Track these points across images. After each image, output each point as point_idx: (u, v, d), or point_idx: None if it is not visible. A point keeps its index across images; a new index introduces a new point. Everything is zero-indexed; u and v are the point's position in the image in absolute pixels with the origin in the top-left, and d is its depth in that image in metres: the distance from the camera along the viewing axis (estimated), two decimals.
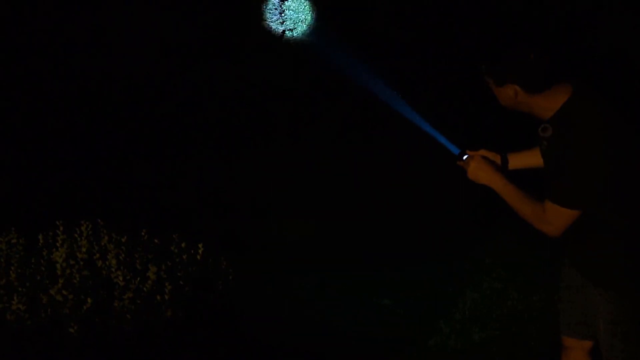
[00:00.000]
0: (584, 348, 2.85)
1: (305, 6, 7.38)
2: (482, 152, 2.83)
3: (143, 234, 3.56)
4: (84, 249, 3.41)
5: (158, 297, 3.25)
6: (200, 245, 3.52)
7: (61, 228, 3.46)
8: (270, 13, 7.34)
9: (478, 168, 2.72)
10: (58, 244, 3.42)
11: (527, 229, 2.61)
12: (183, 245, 3.51)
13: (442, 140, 2.89)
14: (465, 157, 2.79)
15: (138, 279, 3.29)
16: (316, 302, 4.68)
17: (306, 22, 7.32)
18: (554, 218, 2.49)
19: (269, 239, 5.65)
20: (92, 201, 5.41)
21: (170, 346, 3.20)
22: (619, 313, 2.58)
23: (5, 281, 3.29)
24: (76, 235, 3.47)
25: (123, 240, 3.45)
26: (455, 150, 2.86)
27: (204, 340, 3.29)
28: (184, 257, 3.49)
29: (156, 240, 3.54)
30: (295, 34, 7.40)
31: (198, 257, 3.52)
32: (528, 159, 2.87)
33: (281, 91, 7.33)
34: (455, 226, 5.67)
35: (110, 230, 3.50)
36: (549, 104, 2.51)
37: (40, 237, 3.51)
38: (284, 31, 7.34)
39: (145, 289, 3.26)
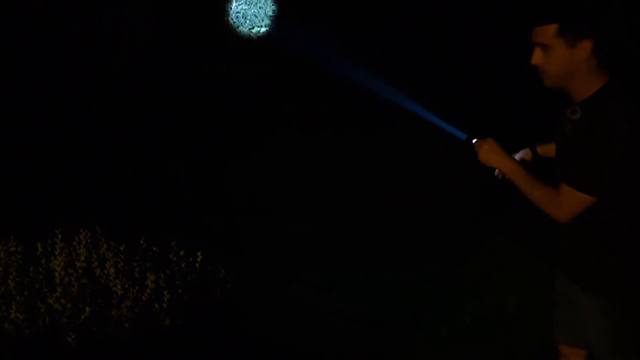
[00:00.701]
0: (580, 355, 2.84)
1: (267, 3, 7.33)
2: (521, 154, 2.91)
3: (141, 241, 3.56)
4: (82, 258, 3.43)
5: (156, 306, 3.26)
6: (199, 254, 3.52)
7: (60, 236, 3.47)
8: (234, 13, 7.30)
9: (490, 150, 2.66)
10: (56, 253, 3.44)
11: (527, 229, 2.57)
12: (182, 253, 3.52)
13: (447, 127, 2.82)
14: (474, 140, 2.72)
15: (136, 287, 3.31)
16: (316, 302, 4.68)
17: (267, 19, 7.27)
18: (567, 202, 2.46)
19: (268, 240, 5.64)
20: (90, 209, 5.40)
21: (168, 355, 3.21)
22: (616, 323, 2.57)
23: (4, 290, 3.30)
24: (75, 244, 3.49)
25: (121, 248, 3.46)
26: (462, 135, 2.80)
27: (202, 349, 3.29)
28: (183, 265, 3.50)
29: (155, 249, 3.55)
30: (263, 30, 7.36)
31: (197, 265, 3.52)
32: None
33: (278, 90, 7.31)
34: (456, 227, 5.66)
35: (109, 239, 3.51)
36: (592, 82, 2.48)
37: (38, 245, 3.53)
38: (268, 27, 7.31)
39: (143, 297, 3.28)
